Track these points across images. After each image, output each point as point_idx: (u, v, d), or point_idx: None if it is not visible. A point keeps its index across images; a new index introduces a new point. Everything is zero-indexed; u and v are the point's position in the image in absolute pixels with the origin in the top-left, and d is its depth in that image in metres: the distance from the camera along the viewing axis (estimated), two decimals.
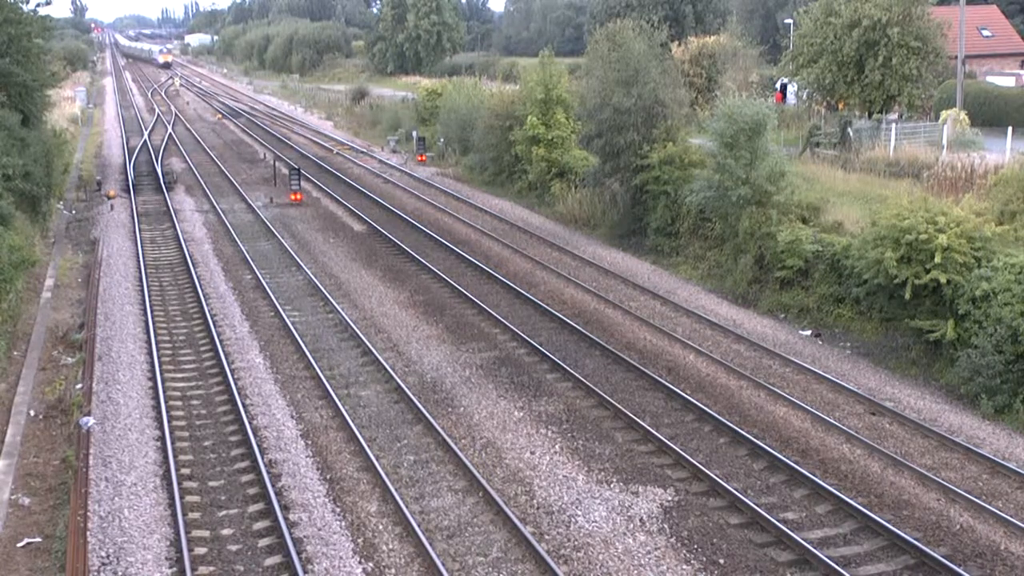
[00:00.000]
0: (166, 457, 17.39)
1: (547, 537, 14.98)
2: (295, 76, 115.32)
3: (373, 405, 20.04)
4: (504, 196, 42.13)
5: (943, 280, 20.93)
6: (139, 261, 31.20)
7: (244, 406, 19.61)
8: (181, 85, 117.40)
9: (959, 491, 15.99)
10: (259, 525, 15.42)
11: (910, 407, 19.56)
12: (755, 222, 26.83)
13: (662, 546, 14.71)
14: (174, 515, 15.42)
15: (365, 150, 57.88)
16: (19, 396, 20.54)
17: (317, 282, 28.64)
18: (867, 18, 39.54)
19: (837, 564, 13.94)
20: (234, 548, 14.82)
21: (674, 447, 17.64)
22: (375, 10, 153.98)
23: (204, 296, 27.18)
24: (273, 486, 16.29)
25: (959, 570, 13.79)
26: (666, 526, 15.27)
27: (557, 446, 18.06)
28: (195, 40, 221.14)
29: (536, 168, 40.14)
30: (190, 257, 31.76)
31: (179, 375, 21.77)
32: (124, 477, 16.74)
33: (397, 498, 15.79)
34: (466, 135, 48.67)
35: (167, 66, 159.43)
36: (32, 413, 19.76)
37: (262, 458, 17.29)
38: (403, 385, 20.63)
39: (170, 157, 55.81)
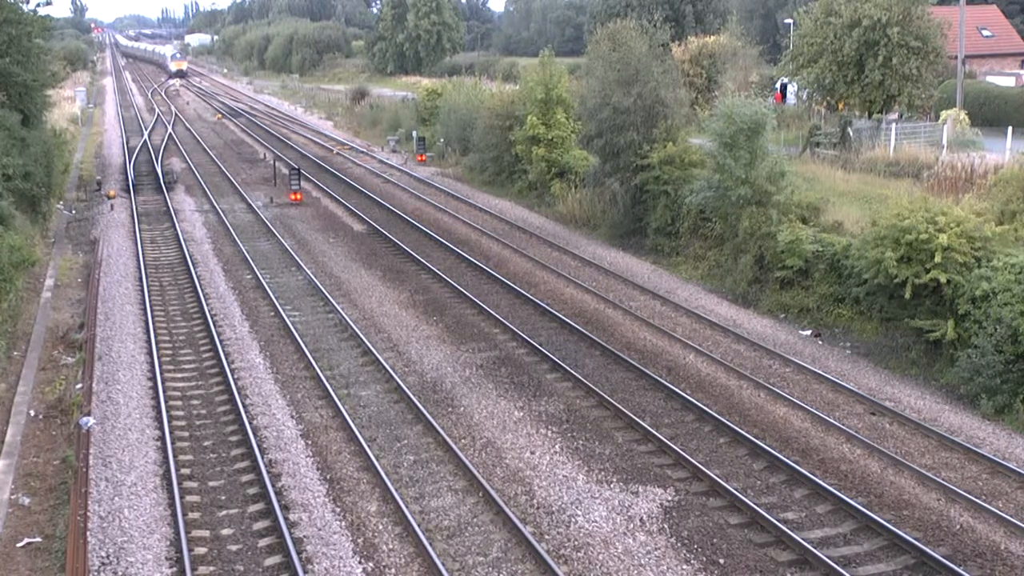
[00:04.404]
0: (166, 457, 17.39)
1: (547, 537, 14.98)
2: (295, 76, 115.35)
3: (373, 405, 20.04)
4: (504, 196, 42.13)
5: (943, 280, 20.94)
6: (139, 261, 31.20)
7: (244, 406, 19.61)
8: (181, 85, 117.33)
9: (959, 491, 15.99)
10: (259, 525, 15.42)
11: (910, 407, 19.56)
12: (755, 222, 26.83)
13: (662, 546, 14.71)
14: (174, 515, 15.42)
15: (365, 150, 57.88)
16: (19, 396, 20.54)
17: (317, 282, 28.64)
18: (867, 18, 39.53)
19: (837, 564, 13.94)
20: (234, 548, 14.82)
21: (674, 447, 17.64)
22: (375, 10, 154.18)
23: (204, 296, 27.18)
24: (273, 486, 16.29)
25: (959, 570, 13.79)
26: (666, 526, 15.27)
27: (557, 446, 18.06)
28: (195, 40, 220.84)
29: (536, 168, 40.15)
30: (190, 257, 31.75)
31: (179, 375, 21.77)
32: (124, 477, 16.74)
33: (397, 498, 15.80)
34: (466, 135, 48.68)
35: (181, 75, 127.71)
36: (32, 413, 19.76)
37: (262, 458, 17.29)
38: (403, 385, 20.63)
39: (170, 157, 55.81)
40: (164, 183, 45.72)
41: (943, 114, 40.08)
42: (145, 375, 21.57)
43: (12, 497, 16.34)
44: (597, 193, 35.54)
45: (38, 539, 15.11)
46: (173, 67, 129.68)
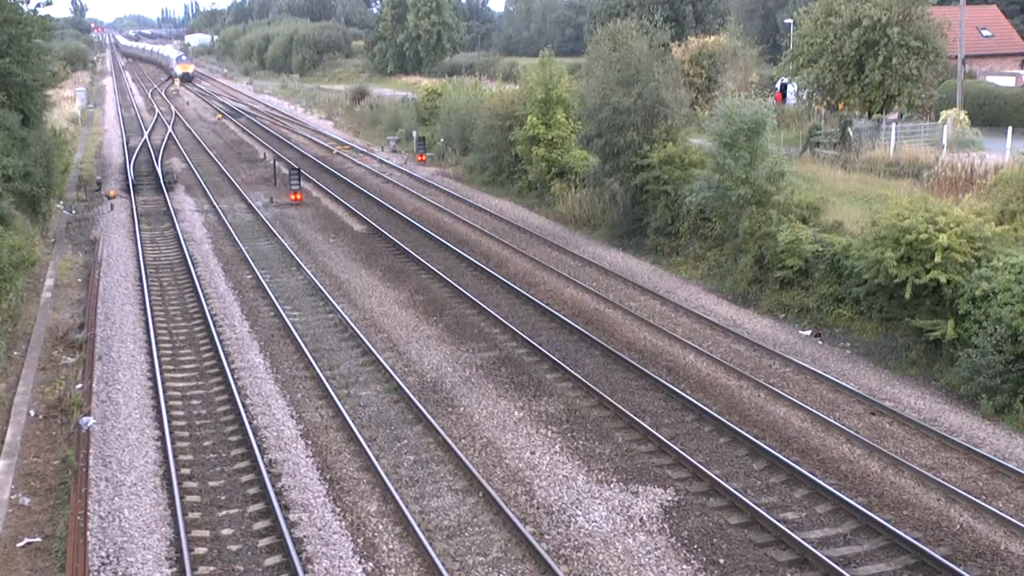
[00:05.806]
0: (166, 457, 17.39)
1: (547, 537, 14.98)
2: (295, 76, 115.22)
3: (373, 405, 20.04)
4: (504, 196, 42.13)
5: (943, 280, 20.94)
6: (139, 261, 31.20)
7: (244, 406, 19.61)
8: (181, 84, 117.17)
9: (959, 491, 15.99)
10: (259, 525, 15.42)
11: (910, 407, 19.57)
12: (755, 222, 26.83)
13: (662, 546, 14.71)
14: (174, 515, 15.42)
15: (365, 150, 57.88)
16: (19, 396, 20.54)
17: (317, 282, 28.64)
18: (867, 18, 39.55)
19: (837, 564, 13.94)
20: (234, 548, 14.82)
21: (674, 447, 17.64)
22: (375, 10, 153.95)
23: (204, 296, 27.17)
24: (273, 486, 16.29)
25: (959, 570, 13.79)
26: (666, 526, 15.27)
27: (557, 446, 18.06)
28: (195, 40, 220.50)
29: (536, 168, 40.15)
30: (190, 257, 31.75)
31: (179, 375, 21.77)
32: (124, 477, 16.74)
33: (397, 498, 15.80)
34: (466, 135, 48.67)
35: (187, 79, 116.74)
36: (32, 413, 19.76)
37: (262, 458, 17.29)
38: (403, 385, 20.63)
39: (170, 157, 55.81)
40: (164, 183, 45.71)
41: (943, 114, 40.06)
42: (145, 375, 21.57)
43: (12, 497, 16.34)
44: (597, 193, 35.54)
45: (38, 539, 15.11)
46: (178, 70, 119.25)
